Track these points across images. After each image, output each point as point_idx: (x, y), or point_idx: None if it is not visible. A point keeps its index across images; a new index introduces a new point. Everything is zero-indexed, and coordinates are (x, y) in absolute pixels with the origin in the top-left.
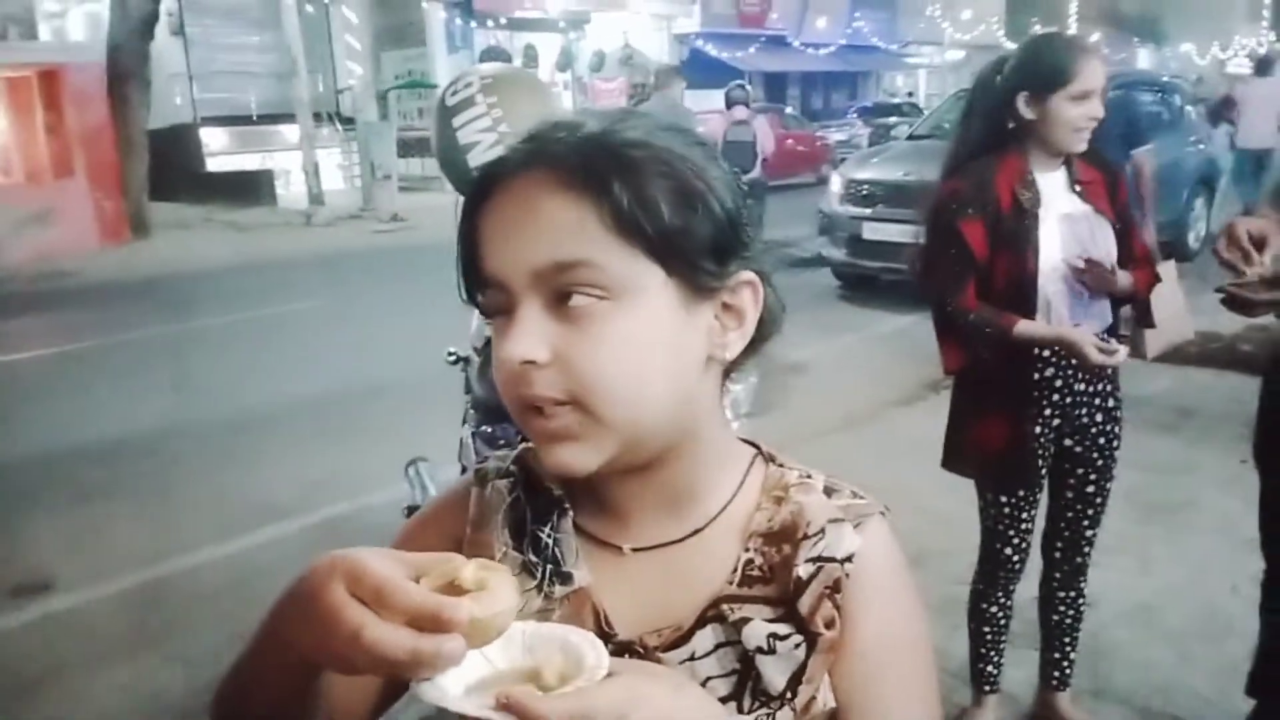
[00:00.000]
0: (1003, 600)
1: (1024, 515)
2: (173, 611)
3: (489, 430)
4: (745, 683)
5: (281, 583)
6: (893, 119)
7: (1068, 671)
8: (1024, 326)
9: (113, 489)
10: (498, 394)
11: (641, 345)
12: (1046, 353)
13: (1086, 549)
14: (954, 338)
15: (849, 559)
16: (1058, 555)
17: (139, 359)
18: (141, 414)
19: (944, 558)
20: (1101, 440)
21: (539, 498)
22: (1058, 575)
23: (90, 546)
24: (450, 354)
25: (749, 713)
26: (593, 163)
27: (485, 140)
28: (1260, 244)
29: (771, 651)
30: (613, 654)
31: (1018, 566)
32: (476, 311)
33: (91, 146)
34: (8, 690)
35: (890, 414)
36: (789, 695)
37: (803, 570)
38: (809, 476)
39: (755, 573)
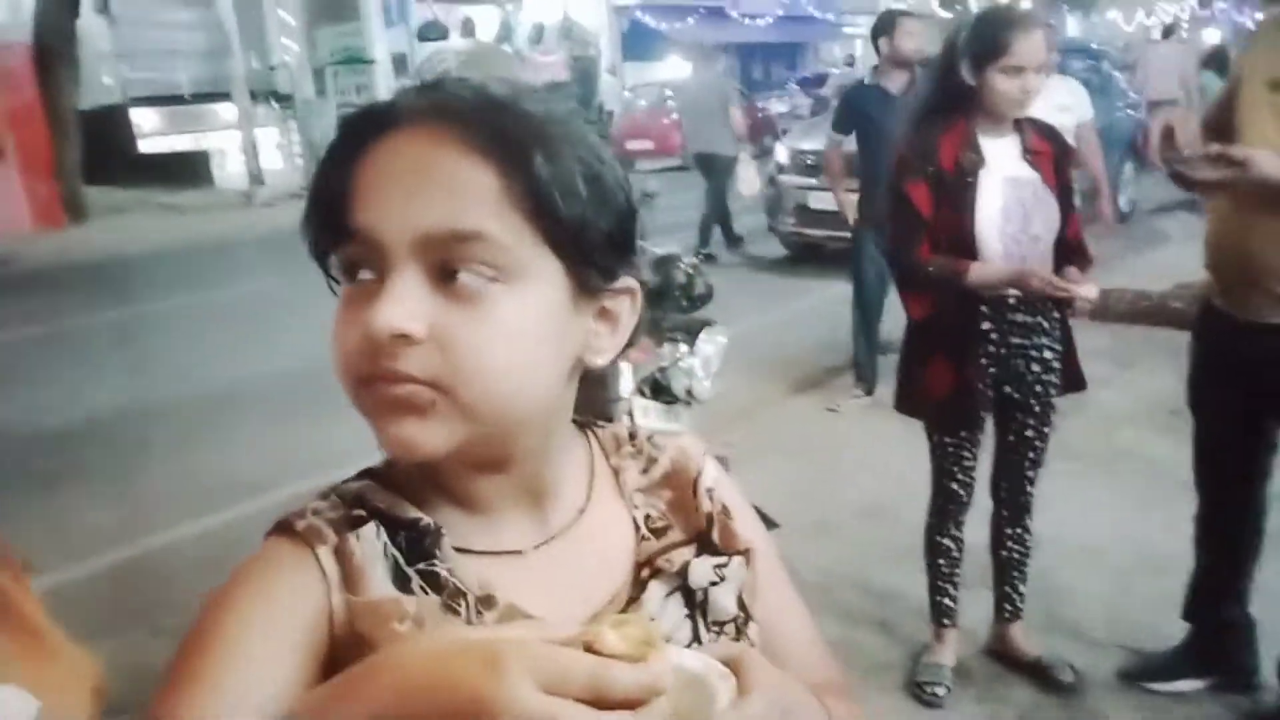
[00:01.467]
0: (954, 533)
1: (965, 454)
2: (152, 588)
3: None
4: (696, 620)
5: None
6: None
7: (1019, 604)
8: (977, 270)
9: (77, 473)
10: None
11: (528, 336)
12: (984, 307)
13: (1030, 489)
14: (914, 288)
15: (714, 484)
16: (1004, 495)
17: (87, 345)
18: (97, 399)
19: (899, 509)
20: (1038, 388)
21: (405, 533)
22: (1004, 513)
23: (62, 530)
24: None
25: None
26: (512, 131)
27: None
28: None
29: (721, 581)
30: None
31: (964, 500)
32: None
33: (21, 129)
34: None
35: (842, 377)
36: (741, 614)
37: (706, 505)
38: (631, 427)
39: (657, 524)
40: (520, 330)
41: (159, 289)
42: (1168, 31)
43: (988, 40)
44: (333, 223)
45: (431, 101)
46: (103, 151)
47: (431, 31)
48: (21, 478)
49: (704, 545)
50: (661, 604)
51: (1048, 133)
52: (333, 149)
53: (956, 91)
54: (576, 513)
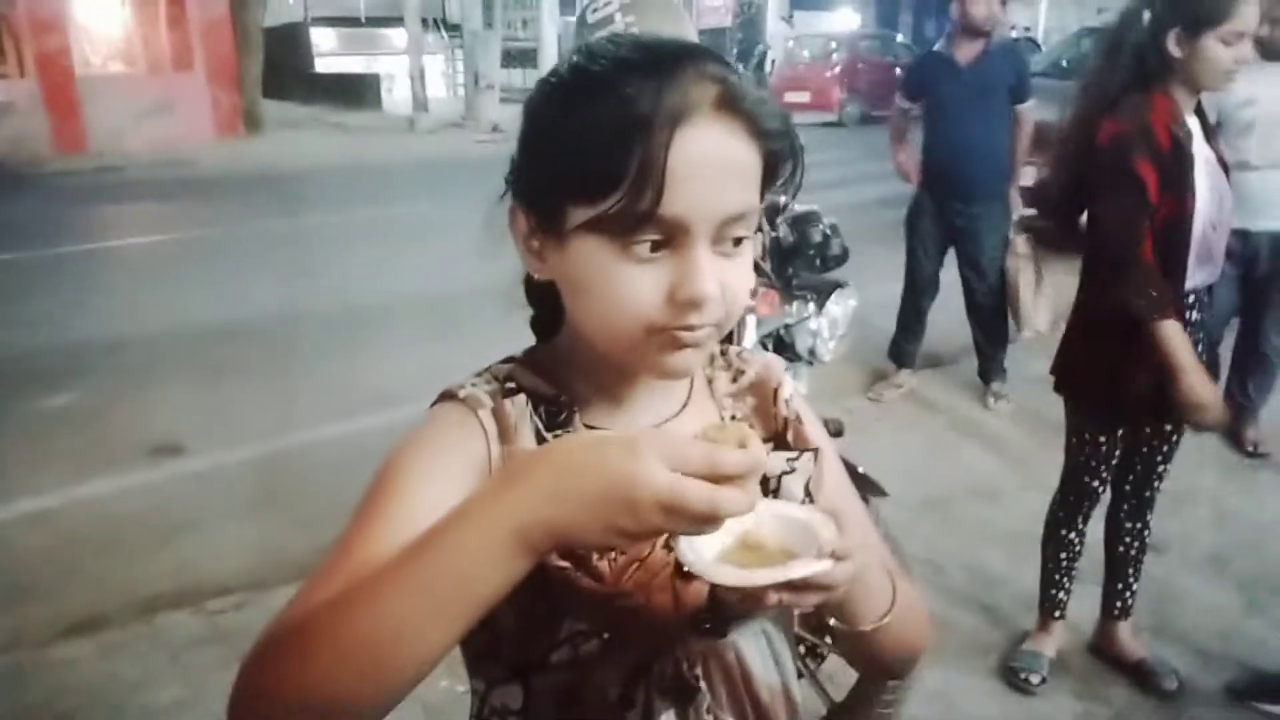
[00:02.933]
0: (1080, 527)
1: (1115, 451)
2: (293, 479)
3: None
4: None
5: None
6: None
7: (1129, 603)
8: (1168, 330)
9: (237, 366)
10: None
11: (750, 274)
12: (1190, 297)
13: (1156, 484)
14: (1110, 279)
15: (790, 397)
16: (1128, 488)
17: (255, 249)
18: (260, 300)
19: (1017, 494)
20: None
21: (545, 407)
22: (1125, 507)
23: (218, 417)
24: None
25: None
26: (774, 122)
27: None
28: None
29: (792, 471)
30: None
31: (1099, 495)
32: None
33: (210, 41)
34: (150, 536)
35: (960, 363)
36: (807, 500)
37: (784, 411)
38: (722, 346)
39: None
40: (751, 270)
41: (322, 203)
42: None
43: (1204, 5)
44: (642, 206)
45: (720, 93)
46: (282, 68)
47: None
48: (187, 365)
49: (779, 443)
50: None
51: (1204, 112)
52: (633, 130)
53: (1152, 64)
54: (679, 407)
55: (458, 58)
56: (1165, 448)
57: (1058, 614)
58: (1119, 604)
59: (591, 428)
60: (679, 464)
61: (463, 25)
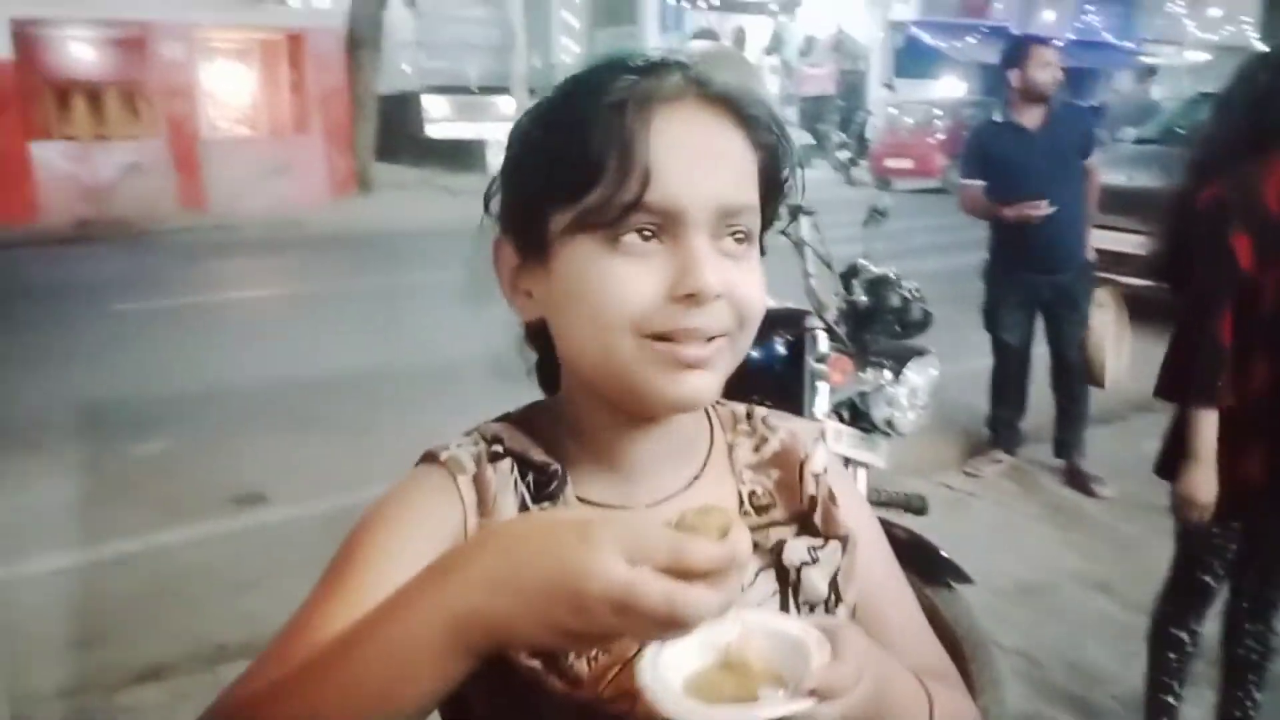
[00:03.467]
0: (1193, 627)
1: (1231, 544)
2: None
3: None
4: (787, 597)
5: None
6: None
7: (1251, 713)
8: (1202, 418)
9: (327, 419)
10: None
11: (764, 288)
12: None
13: None
14: (1185, 358)
15: (824, 470)
16: (1250, 586)
17: (356, 305)
18: (356, 355)
19: (1125, 584)
20: None
21: (534, 474)
22: (1246, 605)
23: (302, 469)
24: None
25: None
26: (762, 114)
27: None
28: None
29: (814, 562)
30: None
31: (1214, 593)
32: None
33: (328, 106)
34: (224, 585)
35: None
36: (832, 597)
37: (812, 488)
38: (749, 406)
39: (761, 501)
40: (762, 281)
41: (425, 262)
42: None
43: None
44: (625, 195)
45: (699, 80)
46: (394, 132)
47: (704, 38)
48: (277, 416)
49: (804, 526)
50: (753, 576)
51: None
52: (606, 117)
53: (1270, 126)
54: (689, 480)
55: None
56: None
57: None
58: (1238, 713)
59: (585, 501)
60: (640, 555)
61: None
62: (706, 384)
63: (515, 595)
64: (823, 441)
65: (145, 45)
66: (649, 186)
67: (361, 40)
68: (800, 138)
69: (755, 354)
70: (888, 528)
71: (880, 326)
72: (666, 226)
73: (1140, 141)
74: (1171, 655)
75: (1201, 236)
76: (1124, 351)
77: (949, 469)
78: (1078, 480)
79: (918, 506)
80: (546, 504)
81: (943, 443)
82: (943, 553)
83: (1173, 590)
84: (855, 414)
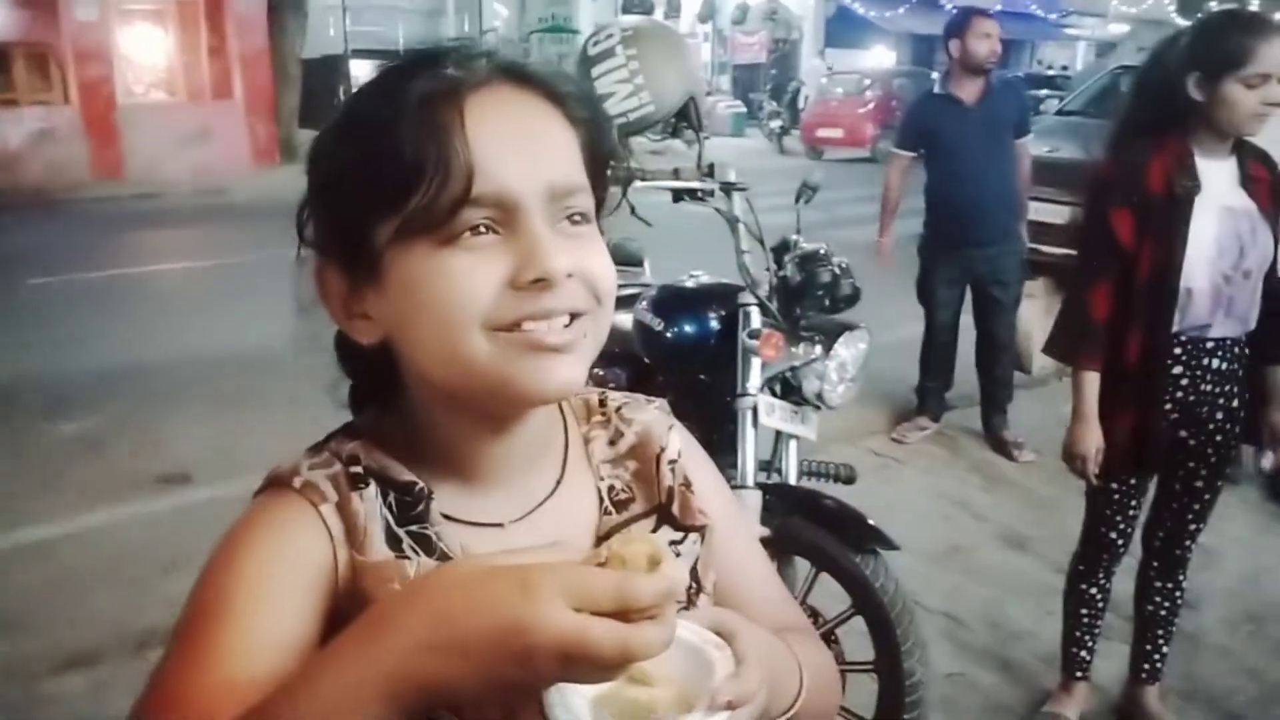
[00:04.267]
0: (1102, 583)
1: (1132, 502)
2: None
3: (599, 371)
4: None
5: None
6: (1043, 92)
7: (1158, 665)
8: (1082, 378)
9: (253, 395)
10: (609, 338)
11: (610, 261)
12: (1177, 350)
13: (1189, 542)
14: (1069, 332)
15: (678, 456)
16: (1158, 545)
17: (280, 277)
18: (280, 329)
19: (1044, 544)
20: (1219, 438)
21: (395, 495)
22: (1156, 564)
23: (226, 446)
24: None
25: None
26: (574, 90)
27: (621, 91)
28: None
29: (676, 556)
30: None
31: (1120, 551)
32: None
33: (249, 71)
34: (150, 567)
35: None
36: (693, 585)
37: (669, 479)
38: (601, 393)
39: (621, 495)
40: (609, 260)
41: None
42: None
43: (1222, 48)
44: (450, 190)
45: (500, 62)
46: (320, 98)
47: (636, 5)
48: (200, 394)
49: (664, 517)
50: None
51: (1265, 159)
52: (414, 110)
53: (1172, 107)
54: (554, 484)
55: None
56: (1197, 505)
57: (1080, 674)
58: (1147, 666)
59: (450, 519)
60: (584, 602)
61: None
62: (572, 370)
63: (453, 653)
64: (676, 428)
65: (56, 5)
66: (475, 179)
67: (284, 2)
68: (733, 106)
69: (690, 330)
70: (817, 498)
71: (811, 302)
72: (501, 217)
73: (1062, 113)
74: (1084, 611)
75: (1088, 210)
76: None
77: (877, 436)
78: (1000, 445)
79: (846, 476)
80: (413, 526)
81: (871, 410)
82: (870, 521)
83: (1083, 548)
84: (786, 388)
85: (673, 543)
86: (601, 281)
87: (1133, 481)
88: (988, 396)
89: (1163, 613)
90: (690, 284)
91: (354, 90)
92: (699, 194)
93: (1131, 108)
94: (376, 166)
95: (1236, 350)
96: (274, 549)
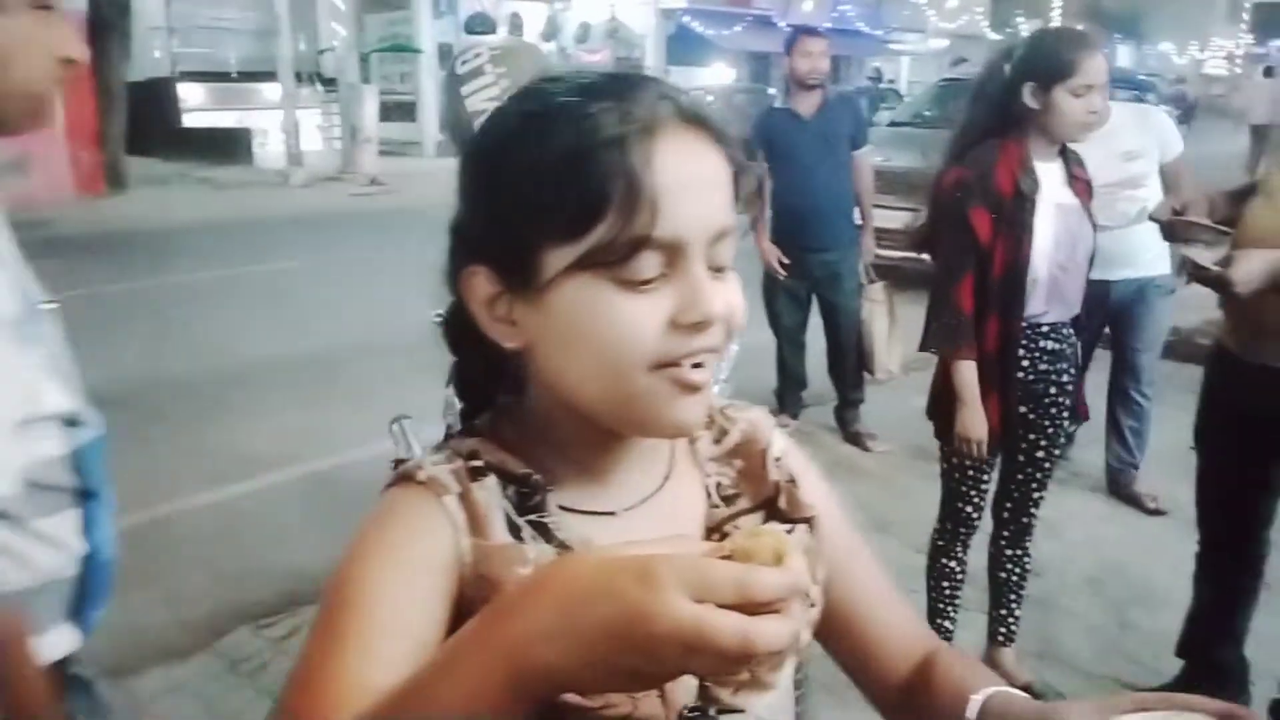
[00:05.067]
0: (960, 555)
1: (984, 478)
2: (160, 553)
3: None
4: None
5: (270, 530)
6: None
7: (1013, 628)
8: (960, 368)
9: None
10: None
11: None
12: (1020, 336)
13: (1033, 510)
14: (938, 321)
15: (782, 455)
16: (1006, 515)
17: (117, 312)
18: (122, 366)
19: (904, 527)
20: (1054, 410)
21: (514, 487)
22: (1005, 534)
23: None
24: (438, 315)
25: None
26: (730, 131)
27: (492, 109)
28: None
29: None
30: None
31: (975, 524)
32: None
33: (70, 97)
34: None
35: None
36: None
37: (774, 474)
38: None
39: (729, 491)
40: (742, 296)
41: (191, 261)
42: (1268, 72)
43: (1052, 60)
44: (633, 232)
45: (681, 105)
46: (147, 123)
47: (478, 24)
48: None
49: (771, 512)
50: None
51: (1080, 161)
52: (600, 150)
53: (1010, 114)
54: (661, 479)
55: (334, 111)
56: (1039, 474)
57: None
58: (1003, 630)
59: (566, 509)
60: (704, 592)
61: (339, 79)
62: (704, 407)
63: (577, 643)
64: (779, 426)
65: None
66: (656, 221)
67: (105, 25)
68: None
69: None
70: None
71: None
72: (669, 259)
73: (893, 125)
74: (945, 584)
75: (947, 212)
76: (895, 344)
77: None
78: (856, 439)
79: None
80: (532, 515)
81: None
82: None
83: (941, 525)
84: None
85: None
86: (737, 323)
87: (988, 461)
88: (840, 394)
89: (1014, 579)
90: None
91: (526, 105)
92: None
93: (971, 115)
94: (561, 194)
95: (1065, 332)
96: (402, 539)
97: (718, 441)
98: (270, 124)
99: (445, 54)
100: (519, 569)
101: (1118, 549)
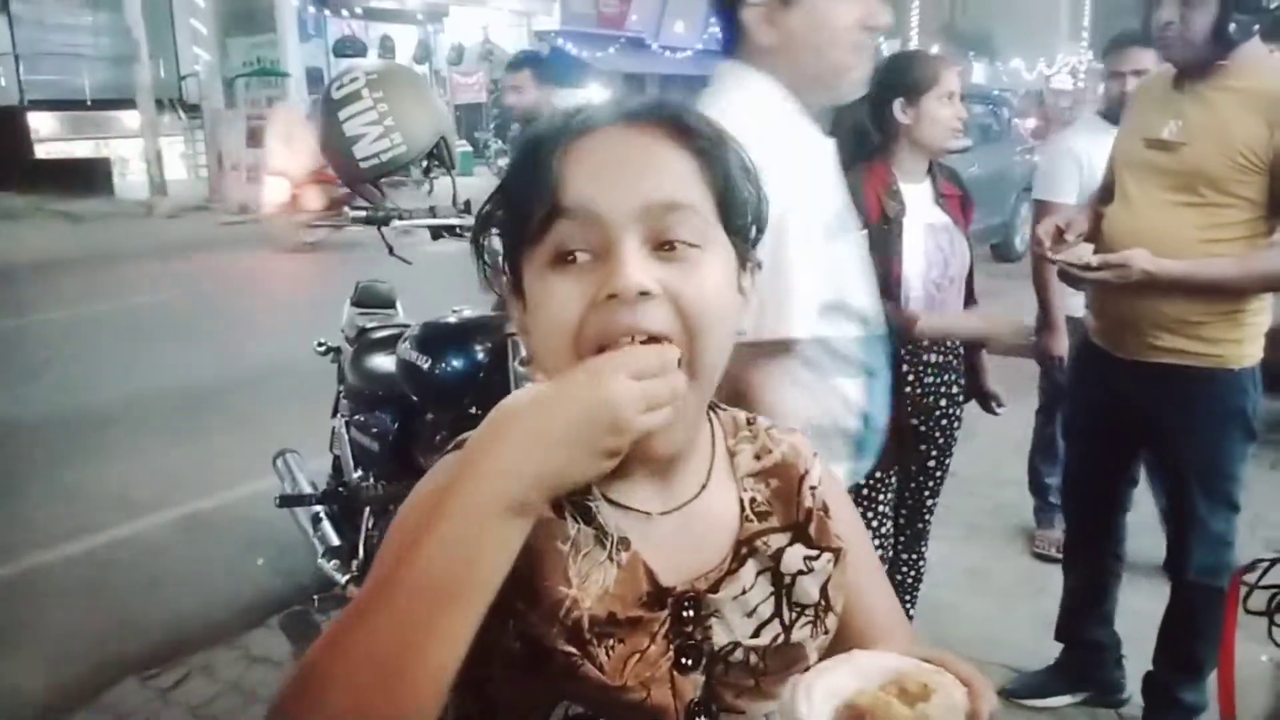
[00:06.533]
0: None
1: (880, 497)
2: (28, 610)
3: (361, 419)
4: (781, 598)
5: (149, 577)
6: None
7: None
8: (928, 321)
9: None
10: (370, 382)
11: (725, 294)
12: (902, 352)
13: (928, 516)
14: None
15: (819, 483)
16: (902, 522)
17: None
18: None
19: None
20: (944, 422)
21: None
22: (901, 539)
23: None
24: (320, 344)
25: (791, 624)
26: (703, 127)
27: (371, 133)
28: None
29: (809, 571)
30: (670, 602)
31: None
32: (348, 302)
33: None
34: None
35: None
36: (822, 603)
37: (808, 500)
38: (750, 415)
39: (762, 508)
40: (721, 288)
41: (52, 299)
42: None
43: (917, 73)
44: (543, 208)
45: (628, 106)
46: None
47: (348, 47)
48: None
49: (799, 535)
50: (753, 579)
51: (953, 177)
52: (531, 150)
53: (871, 139)
54: (699, 488)
55: (198, 138)
56: (932, 482)
57: None
58: None
59: (608, 499)
60: (639, 373)
61: (203, 105)
62: (672, 429)
63: (559, 446)
64: (820, 456)
65: None
66: (560, 193)
67: None
68: (459, 145)
69: (458, 364)
70: None
71: None
72: (596, 240)
73: None
74: None
75: None
76: None
77: None
78: None
79: None
80: (575, 496)
81: None
82: None
83: None
84: None
85: (807, 558)
86: (693, 307)
87: (877, 475)
88: None
89: (910, 580)
90: (454, 319)
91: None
92: (457, 230)
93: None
94: (507, 199)
95: (948, 345)
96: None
97: (758, 458)
98: (131, 153)
99: (314, 78)
100: (559, 544)
101: (996, 540)
